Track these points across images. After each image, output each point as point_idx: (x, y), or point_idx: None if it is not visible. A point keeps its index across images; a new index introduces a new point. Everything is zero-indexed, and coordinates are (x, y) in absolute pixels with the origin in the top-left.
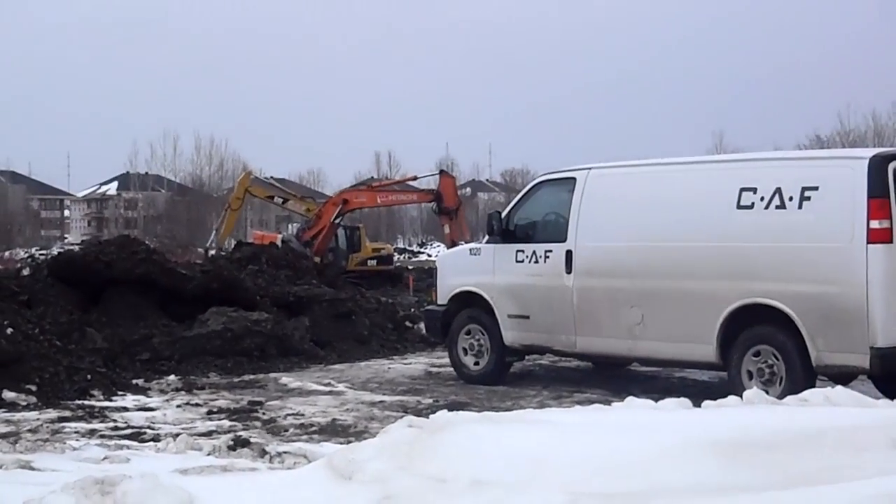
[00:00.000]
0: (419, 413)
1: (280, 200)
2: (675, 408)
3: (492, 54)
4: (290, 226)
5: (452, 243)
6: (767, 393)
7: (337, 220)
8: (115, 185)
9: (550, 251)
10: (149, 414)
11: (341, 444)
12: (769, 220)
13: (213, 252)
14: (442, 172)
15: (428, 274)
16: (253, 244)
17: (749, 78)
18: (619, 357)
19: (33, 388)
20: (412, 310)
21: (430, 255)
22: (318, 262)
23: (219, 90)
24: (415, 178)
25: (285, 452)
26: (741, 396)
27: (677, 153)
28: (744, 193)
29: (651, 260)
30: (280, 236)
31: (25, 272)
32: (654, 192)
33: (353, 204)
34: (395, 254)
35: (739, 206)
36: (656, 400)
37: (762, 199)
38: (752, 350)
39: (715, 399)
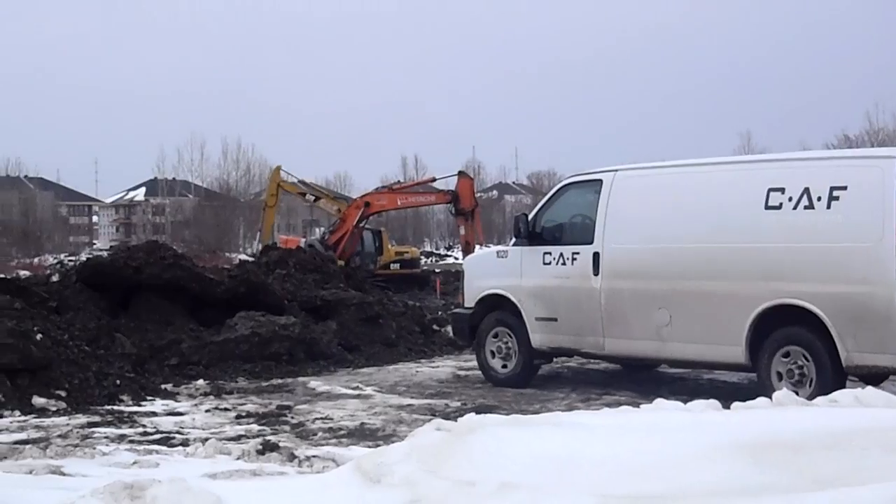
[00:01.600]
0: (447, 416)
1: (311, 198)
2: (704, 409)
3: (517, 59)
4: (317, 230)
5: (467, 245)
6: (797, 394)
7: (361, 224)
8: (142, 190)
9: (578, 253)
10: (178, 419)
11: (370, 447)
12: (797, 220)
13: (255, 253)
14: (460, 174)
15: (455, 277)
16: (279, 248)
17: (776, 78)
18: (647, 359)
19: (63, 393)
20: (439, 313)
21: (457, 258)
22: (342, 266)
23: (246, 95)
24: (434, 180)
25: (314, 456)
26: (771, 398)
27: (704, 154)
28: (772, 194)
29: (679, 261)
30: (304, 241)
31: (55, 278)
32: (681, 193)
33: (374, 206)
34: (422, 257)
35: (767, 207)
36: (685, 401)
37: (790, 199)
38: (781, 351)
39: (744, 400)
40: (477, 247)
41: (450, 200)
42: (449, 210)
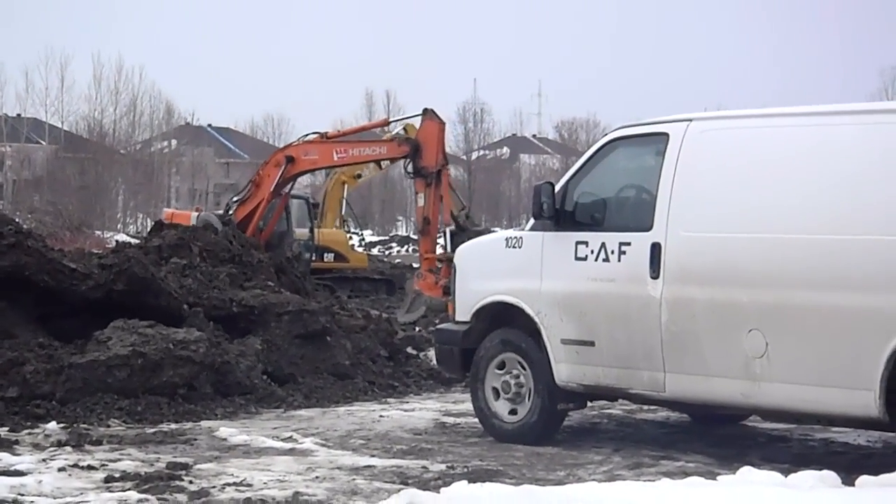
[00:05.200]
0: (426, 485)
1: None
2: (815, 485)
3: None
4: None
5: (426, 223)
6: None
7: (286, 190)
8: None
9: (628, 244)
10: (16, 481)
11: None
12: None
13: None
14: (425, 113)
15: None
16: (177, 226)
17: None
18: (729, 406)
19: None
20: (417, 329)
21: (445, 248)
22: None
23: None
24: (387, 123)
25: None
26: None
27: (829, 99)
28: None
29: (782, 260)
30: (196, 215)
31: None
32: (788, 157)
33: (301, 163)
34: (395, 245)
35: None
36: (786, 473)
37: None
38: None
39: (877, 474)
40: (447, 229)
41: (408, 154)
42: (404, 167)
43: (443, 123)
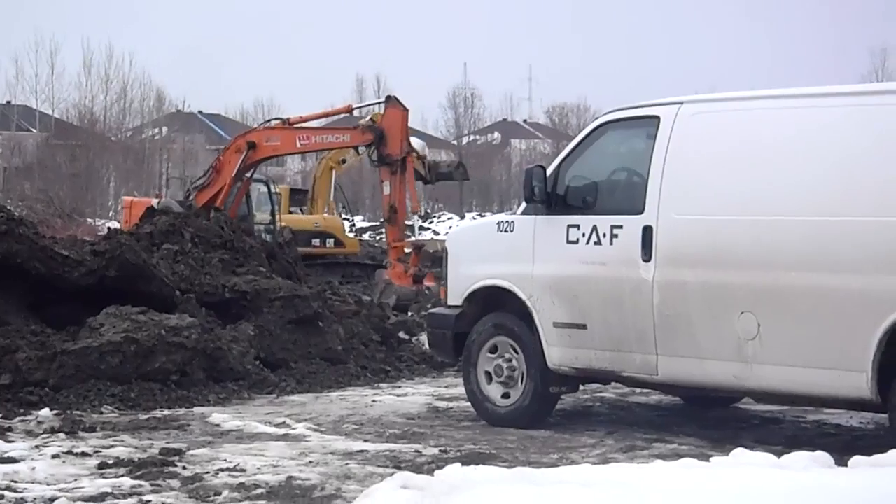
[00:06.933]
0: (418, 469)
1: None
2: (808, 466)
3: None
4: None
5: (392, 211)
6: None
7: (248, 175)
8: None
9: (620, 227)
10: (9, 468)
11: None
12: None
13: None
14: (388, 100)
15: (434, 261)
16: (168, 212)
17: None
18: (721, 388)
19: None
20: (410, 314)
21: (437, 233)
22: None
23: None
24: (350, 110)
25: None
26: None
27: (821, 81)
28: None
29: (773, 242)
30: (157, 202)
31: None
32: (779, 139)
33: (263, 149)
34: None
35: None
36: (779, 454)
37: None
38: None
39: (869, 454)
40: (415, 217)
41: (372, 141)
42: (369, 156)
43: (406, 110)
